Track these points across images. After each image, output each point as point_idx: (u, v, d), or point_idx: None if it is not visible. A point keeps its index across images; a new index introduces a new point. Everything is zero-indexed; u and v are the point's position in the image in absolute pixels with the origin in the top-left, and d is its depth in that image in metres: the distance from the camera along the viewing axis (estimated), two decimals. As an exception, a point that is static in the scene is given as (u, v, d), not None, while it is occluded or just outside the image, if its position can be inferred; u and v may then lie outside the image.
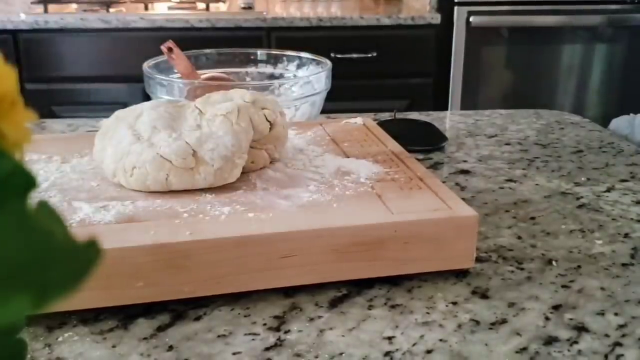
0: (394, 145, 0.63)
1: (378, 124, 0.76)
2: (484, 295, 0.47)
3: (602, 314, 0.45)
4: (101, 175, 0.54)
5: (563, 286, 0.49)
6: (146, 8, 2.09)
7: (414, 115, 0.94)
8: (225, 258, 0.44)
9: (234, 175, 0.52)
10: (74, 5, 2.02)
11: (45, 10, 1.95)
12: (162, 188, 0.51)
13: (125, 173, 0.52)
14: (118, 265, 0.43)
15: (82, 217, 0.47)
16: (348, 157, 0.60)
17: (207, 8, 2.09)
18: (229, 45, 0.90)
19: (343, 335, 0.42)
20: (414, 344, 0.42)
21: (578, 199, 0.65)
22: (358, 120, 0.71)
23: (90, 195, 0.51)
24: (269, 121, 0.56)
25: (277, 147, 0.58)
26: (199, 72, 0.81)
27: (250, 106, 0.55)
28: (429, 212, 0.48)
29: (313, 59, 0.85)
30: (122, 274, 0.43)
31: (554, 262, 0.52)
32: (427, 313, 0.45)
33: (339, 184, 0.53)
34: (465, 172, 0.72)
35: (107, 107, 1.92)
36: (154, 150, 0.51)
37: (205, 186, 0.52)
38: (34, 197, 0.17)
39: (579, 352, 0.41)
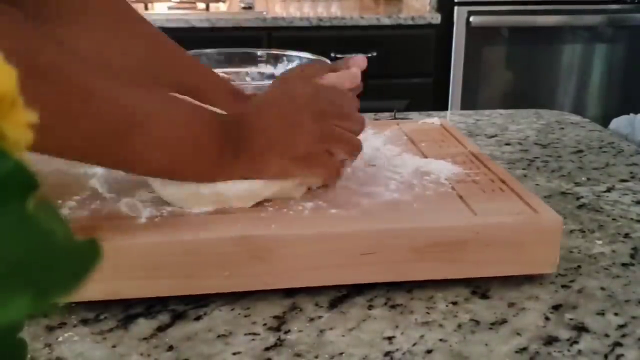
0: (472, 147, 0.63)
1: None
2: (484, 295, 0.47)
3: (602, 314, 0.45)
4: None
5: (563, 286, 0.49)
6: (146, 8, 2.09)
7: (414, 115, 0.94)
8: (307, 252, 0.45)
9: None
10: (74, 5, 2.02)
11: (45, 10, 1.95)
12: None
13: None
14: (206, 254, 0.44)
15: (171, 209, 0.48)
16: (426, 157, 0.60)
17: (207, 8, 2.09)
18: (229, 45, 0.90)
19: (343, 335, 0.42)
20: (414, 344, 0.42)
21: (578, 199, 0.65)
22: (435, 120, 0.72)
23: None
24: None
25: None
26: (199, 72, 0.81)
27: None
28: (513, 215, 0.48)
29: (313, 59, 0.85)
30: (209, 264, 0.44)
31: (554, 262, 0.52)
32: (427, 313, 0.45)
33: (419, 183, 0.54)
34: (465, 172, 0.72)
35: (107, 107, 1.92)
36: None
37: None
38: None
39: (579, 352, 0.41)
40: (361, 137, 0.66)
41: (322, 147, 0.50)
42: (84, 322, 0.44)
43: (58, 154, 0.42)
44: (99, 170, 0.55)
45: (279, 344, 0.41)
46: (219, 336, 0.42)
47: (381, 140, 0.65)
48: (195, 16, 1.98)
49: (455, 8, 2.07)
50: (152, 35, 0.60)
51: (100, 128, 0.42)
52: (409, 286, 0.48)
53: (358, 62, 0.57)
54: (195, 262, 0.44)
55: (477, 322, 0.44)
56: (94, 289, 0.43)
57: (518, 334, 0.43)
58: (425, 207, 0.49)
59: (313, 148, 0.49)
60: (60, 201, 0.49)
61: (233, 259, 0.44)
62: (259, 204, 0.49)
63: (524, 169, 0.73)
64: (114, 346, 0.41)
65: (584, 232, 0.57)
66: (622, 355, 0.41)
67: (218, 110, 0.52)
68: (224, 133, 0.47)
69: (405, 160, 0.59)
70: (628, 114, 0.92)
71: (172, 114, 0.46)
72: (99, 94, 0.42)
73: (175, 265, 0.44)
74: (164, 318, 0.44)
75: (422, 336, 0.42)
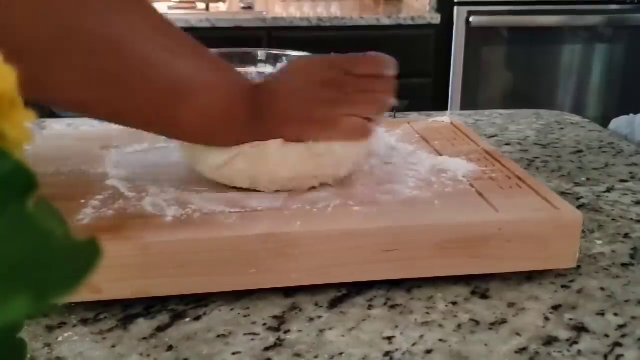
0: (485, 144, 0.64)
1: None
2: (484, 295, 0.47)
3: (602, 314, 0.45)
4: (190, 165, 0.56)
5: (563, 286, 0.49)
6: (146, 8, 2.08)
7: (413, 115, 0.94)
8: (333, 249, 0.46)
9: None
10: (74, 5, 2.02)
11: (45, 10, 1.95)
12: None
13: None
14: (233, 252, 0.45)
15: (195, 207, 0.48)
16: (440, 155, 0.61)
17: (207, 8, 2.09)
18: (228, 45, 0.90)
19: (343, 336, 0.42)
20: (413, 344, 0.42)
21: (578, 199, 0.65)
22: (445, 118, 0.72)
23: (202, 187, 0.52)
24: None
25: None
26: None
27: None
28: (534, 211, 0.49)
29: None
30: (236, 261, 0.45)
31: (553, 262, 0.52)
32: (427, 313, 0.45)
33: (437, 181, 0.54)
34: (465, 172, 0.72)
35: (107, 107, 1.91)
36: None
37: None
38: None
39: (579, 352, 0.41)
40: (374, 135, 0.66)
41: (336, 111, 0.51)
42: (84, 322, 0.44)
43: (112, 118, 0.49)
44: (116, 169, 0.55)
45: (278, 344, 0.41)
46: (218, 336, 0.42)
47: (394, 138, 0.66)
48: (195, 16, 1.99)
49: (455, 8, 2.07)
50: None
51: (154, 95, 0.46)
52: (409, 286, 0.48)
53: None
54: (223, 260, 0.45)
55: (477, 322, 0.44)
56: (122, 287, 0.44)
57: (518, 334, 0.43)
58: (446, 204, 0.50)
59: (326, 112, 0.51)
60: (82, 200, 0.49)
61: (260, 257, 0.45)
62: (281, 201, 0.50)
63: (524, 169, 0.73)
64: (113, 346, 0.41)
65: (584, 232, 0.57)
66: (621, 355, 0.41)
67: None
68: (253, 99, 0.50)
69: (420, 158, 0.59)
70: (628, 114, 0.92)
71: (215, 82, 0.49)
72: (154, 62, 0.46)
73: (203, 263, 0.45)
74: (163, 318, 0.44)
75: (421, 336, 0.42)
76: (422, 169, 0.57)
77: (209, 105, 0.48)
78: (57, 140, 0.63)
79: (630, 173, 0.72)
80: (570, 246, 0.49)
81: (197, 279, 0.45)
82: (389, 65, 0.55)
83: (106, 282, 0.43)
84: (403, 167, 0.57)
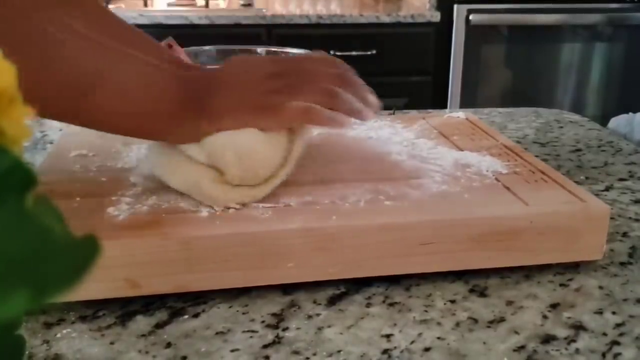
0: (505, 139, 0.64)
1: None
2: (482, 294, 0.47)
3: (600, 312, 0.45)
4: None
5: (561, 285, 0.49)
6: (145, 4, 2.09)
7: (413, 113, 0.94)
8: (369, 243, 0.46)
9: None
10: (73, 2, 2.01)
11: (45, 6, 1.95)
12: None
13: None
14: (273, 246, 0.45)
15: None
16: (461, 150, 0.61)
17: (207, 5, 2.09)
18: (228, 42, 0.90)
19: (341, 333, 0.42)
20: (412, 342, 0.42)
21: (577, 197, 0.65)
22: (460, 114, 0.72)
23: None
24: None
25: None
26: (198, 69, 0.81)
27: None
28: (563, 204, 0.49)
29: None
30: (275, 255, 0.45)
31: (552, 261, 0.52)
32: (425, 311, 0.45)
33: (463, 175, 0.54)
34: (464, 170, 0.72)
35: (106, 103, 1.91)
36: None
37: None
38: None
39: (577, 350, 0.41)
40: (393, 131, 0.66)
41: (280, 98, 0.50)
42: (82, 318, 0.44)
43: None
44: (142, 165, 0.55)
45: (277, 342, 0.42)
46: (217, 333, 0.42)
47: (413, 133, 0.66)
48: (194, 13, 1.98)
49: (455, 6, 2.07)
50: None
51: (63, 85, 0.45)
52: (407, 284, 0.48)
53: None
54: (262, 254, 0.45)
55: (475, 321, 0.44)
56: (162, 282, 0.44)
57: (516, 332, 0.43)
58: (476, 198, 0.50)
59: (269, 100, 0.50)
60: (114, 197, 0.49)
61: (298, 250, 0.45)
62: (313, 195, 0.50)
63: (522, 167, 0.73)
64: (112, 343, 0.41)
65: (583, 230, 0.57)
66: (619, 354, 0.41)
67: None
68: (185, 90, 0.49)
69: (442, 153, 0.60)
70: (627, 113, 0.92)
71: (131, 70, 0.48)
72: (66, 53, 0.45)
73: (243, 257, 0.45)
74: (162, 315, 0.44)
75: (420, 334, 0.42)
76: (446, 163, 0.57)
77: (127, 93, 0.47)
78: (76, 137, 0.63)
79: (629, 172, 0.72)
80: (599, 238, 0.50)
81: (236, 273, 0.45)
82: (333, 62, 0.54)
83: (146, 277, 0.44)
84: (427, 162, 0.58)
